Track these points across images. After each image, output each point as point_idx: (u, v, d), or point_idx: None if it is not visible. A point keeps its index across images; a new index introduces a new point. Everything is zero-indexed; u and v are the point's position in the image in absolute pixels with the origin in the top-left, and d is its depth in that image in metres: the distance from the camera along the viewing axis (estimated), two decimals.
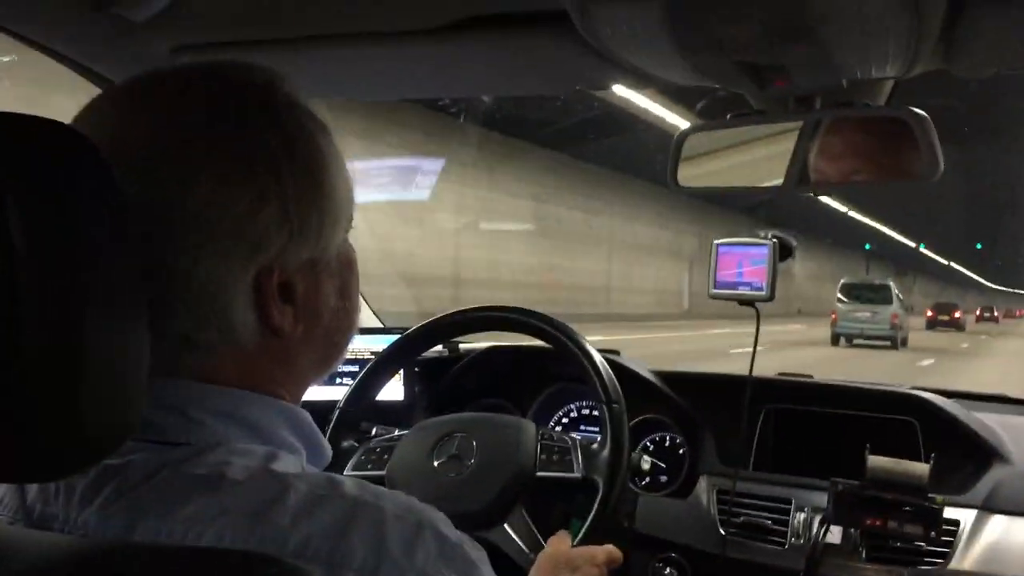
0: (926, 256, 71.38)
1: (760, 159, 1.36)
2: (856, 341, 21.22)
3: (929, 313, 37.91)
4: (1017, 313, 68.91)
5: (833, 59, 1.03)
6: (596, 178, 24.12)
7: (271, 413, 0.69)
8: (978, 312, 54.99)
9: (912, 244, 49.51)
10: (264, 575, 0.54)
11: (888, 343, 21.17)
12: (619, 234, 25.95)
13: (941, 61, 1.04)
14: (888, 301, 21.92)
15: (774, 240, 1.60)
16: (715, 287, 1.65)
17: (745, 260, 1.63)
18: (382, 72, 1.26)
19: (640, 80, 1.20)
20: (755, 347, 1.64)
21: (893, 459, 1.51)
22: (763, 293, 1.60)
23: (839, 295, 22.93)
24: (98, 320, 0.54)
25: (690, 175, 1.39)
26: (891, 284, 23.09)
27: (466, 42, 1.14)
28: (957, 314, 37.39)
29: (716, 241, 1.67)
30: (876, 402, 1.81)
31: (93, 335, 0.53)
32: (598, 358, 1.51)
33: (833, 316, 22.76)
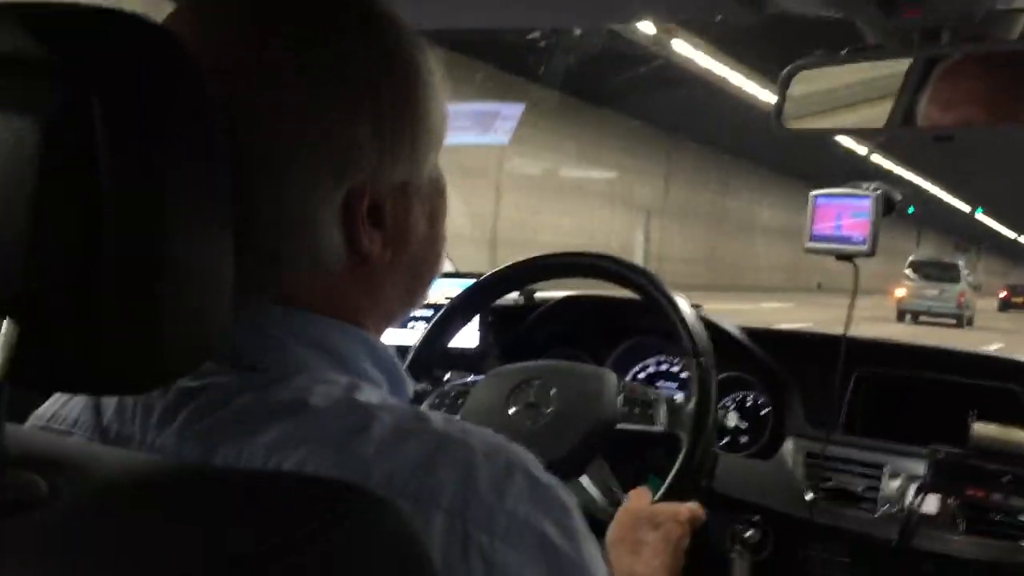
0: (988, 227, 69.12)
1: (868, 100, 1.28)
2: (922, 319, 21.77)
3: (1003, 293, 36.34)
4: None
5: None
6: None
7: (355, 343, 0.67)
8: None
9: (967, 209, 47.19)
10: (349, 504, 0.51)
11: (954, 321, 21.57)
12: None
13: None
14: (956, 280, 22.37)
15: (878, 191, 1.52)
16: (811, 239, 1.58)
17: (845, 212, 1.55)
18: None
19: (752, 9, 1.12)
20: (852, 304, 1.56)
21: (1000, 427, 1.43)
22: (864, 247, 1.52)
23: (908, 271, 23.34)
24: (181, 229, 0.51)
25: (795, 115, 1.31)
26: (960, 263, 23.46)
27: None
28: None
29: (814, 192, 1.59)
30: (978, 368, 1.72)
31: (175, 244, 0.51)
32: (688, 309, 1.45)
33: (892, 294, 22.92)
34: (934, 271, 22.67)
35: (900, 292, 22.91)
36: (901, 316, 22.35)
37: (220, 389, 0.61)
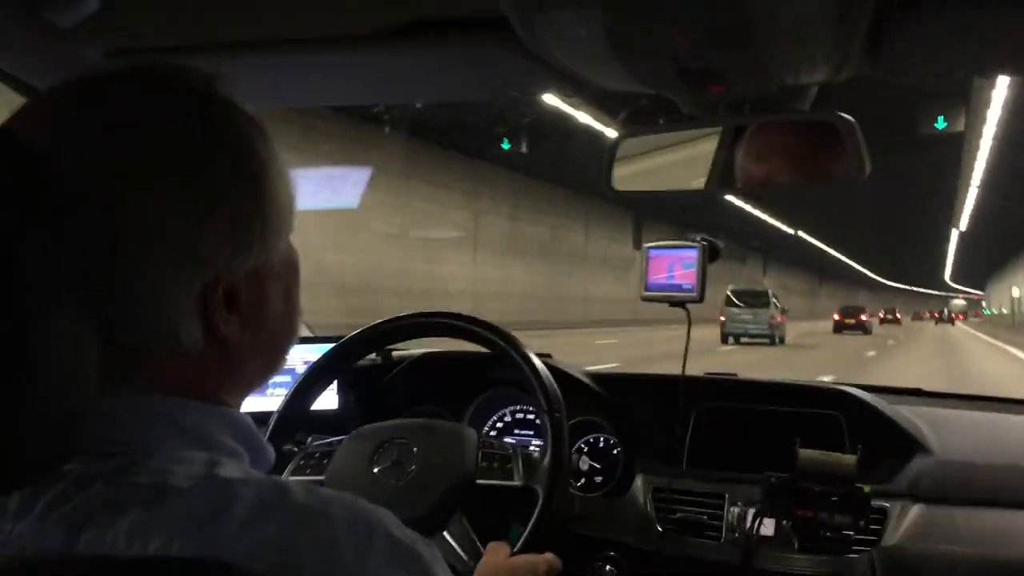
0: (833, 258, 74.08)
1: (688, 162, 1.40)
2: (743, 340, 24.77)
3: (836, 316, 38.67)
4: (924, 315, 71.81)
5: (767, 64, 1.07)
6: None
7: (212, 419, 0.68)
8: (881, 315, 57.08)
9: (790, 231, 50.85)
10: None
11: (768, 340, 24.86)
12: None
13: (869, 65, 1.08)
14: (766, 305, 25.82)
15: (704, 243, 1.64)
16: (647, 289, 1.68)
17: (676, 263, 1.67)
18: (319, 78, 1.25)
19: (576, 86, 1.22)
20: (687, 347, 1.67)
21: (822, 451, 1.56)
22: (694, 294, 1.63)
23: (727, 300, 26.03)
24: (37, 331, 0.52)
25: (623, 179, 1.42)
26: (769, 291, 26.84)
27: (405, 48, 1.14)
28: (863, 317, 38.17)
29: (647, 245, 1.71)
30: (803, 397, 1.86)
31: (32, 346, 0.51)
32: (540, 365, 1.52)
33: (721, 317, 25.41)
34: (748, 298, 25.82)
35: (722, 319, 25.48)
36: (724, 339, 24.89)
37: (77, 476, 0.61)
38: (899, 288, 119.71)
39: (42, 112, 0.67)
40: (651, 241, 1.70)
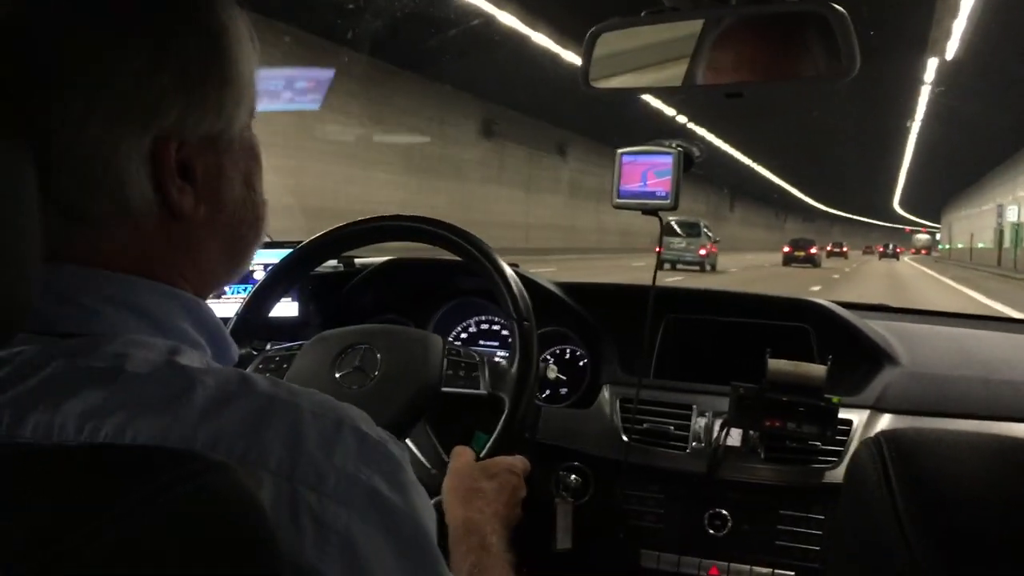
0: (792, 195, 75.26)
1: (666, 59, 1.34)
2: (678, 266, 26.72)
3: (786, 249, 38.76)
4: (877, 248, 71.63)
5: None
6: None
7: (172, 304, 0.66)
8: (828, 248, 57.63)
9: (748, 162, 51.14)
10: (179, 471, 0.49)
11: (698, 268, 26.86)
12: None
13: None
14: (698, 235, 27.55)
15: (679, 149, 1.59)
16: (619, 196, 1.64)
17: (649, 169, 1.62)
18: None
19: None
20: (658, 257, 1.64)
21: (792, 362, 1.54)
22: (667, 202, 1.59)
23: (665, 230, 26.87)
24: None
25: (600, 76, 1.36)
26: (700, 222, 28.34)
27: None
28: (813, 250, 38.27)
29: (620, 151, 1.65)
30: (773, 309, 1.85)
31: None
32: (509, 272, 1.48)
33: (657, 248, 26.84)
34: (683, 229, 27.19)
35: (658, 249, 26.47)
36: (661, 265, 25.86)
37: (29, 358, 0.58)
38: (856, 221, 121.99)
39: None
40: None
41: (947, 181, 66.07)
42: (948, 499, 0.52)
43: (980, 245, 49.23)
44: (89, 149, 0.60)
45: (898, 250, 69.67)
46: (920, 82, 30.11)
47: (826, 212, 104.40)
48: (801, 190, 78.66)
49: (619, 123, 22.23)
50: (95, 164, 0.60)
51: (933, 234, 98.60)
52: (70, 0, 0.60)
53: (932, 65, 27.18)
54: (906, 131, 44.78)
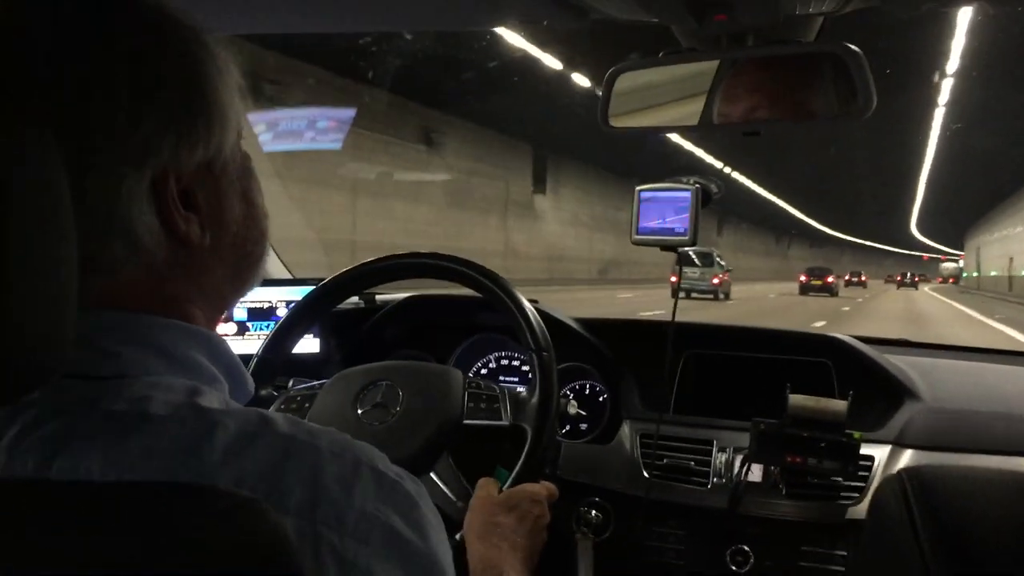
0: (800, 220, 72.74)
1: (684, 99, 1.36)
2: (693, 295, 27.66)
3: (802, 278, 37.96)
4: (896, 277, 67.57)
5: None
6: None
7: (187, 340, 0.67)
8: (847, 277, 56.55)
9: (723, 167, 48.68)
10: (208, 507, 0.51)
11: (711, 296, 28.01)
12: None
13: None
14: (711, 265, 28.87)
15: (697, 185, 1.61)
16: (637, 233, 1.65)
17: (668, 206, 1.64)
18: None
19: (576, 15, 1.18)
20: (677, 293, 1.65)
21: (812, 397, 1.54)
22: (686, 238, 1.60)
23: (676, 262, 28.27)
24: (21, 237, 0.50)
25: (619, 115, 1.38)
26: (714, 252, 29.79)
27: None
28: (830, 279, 37.50)
29: (639, 188, 1.67)
30: (793, 344, 1.85)
31: (15, 256, 0.49)
32: (527, 306, 1.49)
33: (673, 277, 27.27)
34: (696, 258, 28.15)
35: (673, 278, 27.09)
36: (675, 294, 26.74)
37: (52, 401, 0.59)
38: (870, 247, 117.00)
39: None
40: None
41: (972, 200, 60.55)
42: (971, 536, 0.52)
43: None
44: (93, 198, 0.61)
45: (916, 279, 66.74)
46: (942, 73, 26.84)
47: (835, 237, 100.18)
48: (805, 212, 74.59)
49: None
50: (102, 211, 0.62)
51: (957, 261, 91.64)
52: (56, 49, 0.62)
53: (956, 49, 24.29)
54: (923, 146, 42.13)
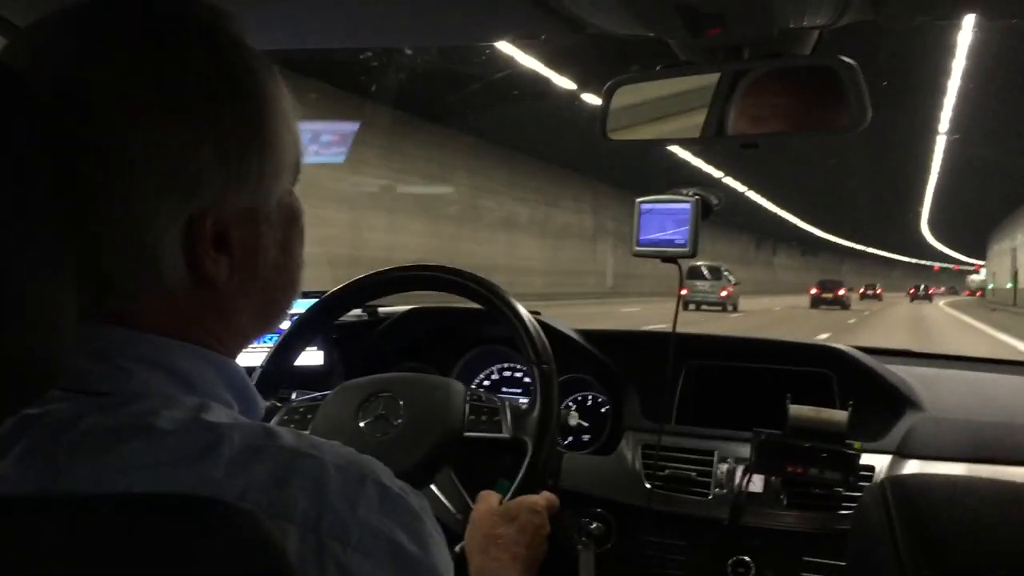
0: (789, 223, 66.05)
1: (683, 112, 1.37)
2: (703, 307, 29.04)
3: (813, 291, 37.54)
4: (911, 291, 62.82)
5: (769, 6, 1.04)
6: None
7: (202, 364, 0.66)
8: (861, 290, 55.53)
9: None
10: (207, 519, 0.52)
11: (720, 308, 29.52)
12: None
13: (871, 10, 1.05)
14: (719, 279, 30.70)
15: (696, 197, 1.62)
16: (638, 244, 1.66)
17: (668, 217, 1.65)
18: (310, 16, 1.20)
19: (572, 30, 1.19)
20: (678, 304, 1.66)
21: (813, 407, 1.55)
22: (686, 249, 1.61)
23: (688, 274, 30.74)
24: (15, 255, 0.50)
25: (618, 128, 1.39)
26: (722, 267, 31.29)
27: None
28: (841, 292, 37.05)
29: (639, 200, 1.68)
30: (794, 355, 1.85)
31: (9, 271, 0.49)
32: (528, 317, 1.50)
33: (682, 290, 27.95)
34: (705, 272, 30.39)
35: (684, 291, 26.93)
36: (686, 306, 29.28)
37: (61, 415, 0.59)
38: (874, 256, 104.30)
39: (25, 45, 0.64)
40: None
41: (995, 196, 50.41)
42: (951, 544, 0.52)
43: None
44: (126, 224, 0.60)
45: (931, 292, 63.56)
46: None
47: (832, 243, 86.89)
48: (794, 213, 63.29)
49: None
50: (132, 240, 0.61)
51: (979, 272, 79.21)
52: (123, 68, 0.61)
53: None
54: (932, 140, 38.09)
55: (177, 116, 0.61)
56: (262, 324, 0.73)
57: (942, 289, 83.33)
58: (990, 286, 61.42)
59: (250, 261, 0.67)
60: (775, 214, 60.16)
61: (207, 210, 0.63)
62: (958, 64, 19.53)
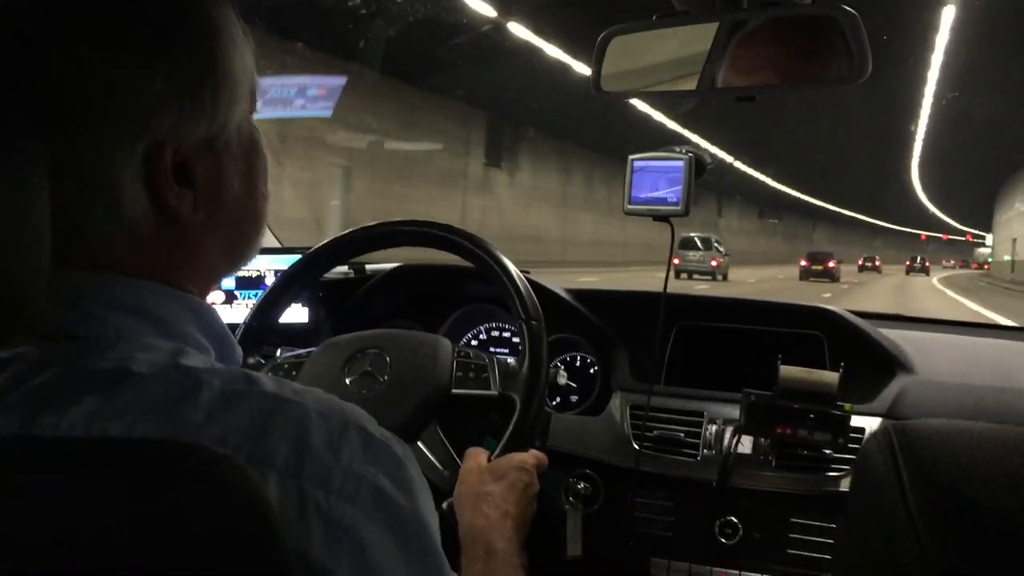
0: (786, 195, 62.84)
1: (679, 63, 1.34)
2: (695, 276, 30.43)
3: (802, 263, 37.20)
4: (907, 262, 57.15)
5: None
6: None
7: (177, 306, 0.66)
8: (860, 261, 54.82)
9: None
10: (184, 464, 0.51)
11: (710, 277, 30.67)
12: None
13: None
14: (710, 249, 32.26)
15: (690, 155, 1.59)
16: (630, 202, 1.63)
17: (660, 175, 1.62)
18: None
19: None
20: (669, 263, 1.63)
21: (804, 368, 1.53)
22: (679, 208, 1.58)
23: (681, 244, 32.04)
24: None
25: (612, 79, 1.35)
26: (712, 237, 33.04)
27: None
28: (831, 264, 36.62)
29: (632, 157, 1.65)
30: (785, 317, 1.84)
31: None
32: (517, 274, 1.47)
33: (676, 260, 30.84)
34: (697, 243, 32.13)
35: (676, 260, 30.99)
36: (678, 275, 30.68)
37: (33, 360, 0.58)
38: (858, 221, 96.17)
39: None
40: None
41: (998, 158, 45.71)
42: (961, 491, 0.51)
43: None
44: (83, 162, 0.59)
45: (927, 263, 57.71)
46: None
47: (808, 204, 76.90)
48: (759, 169, 55.38)
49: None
50: (90, 177, 0.60)
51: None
52: (65, 10, 0.60)
53: None
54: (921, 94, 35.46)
55: (123, 48, 0.60)
56: (231, 259, 0.73)
57: (952, 262, 78.78)
58: (990, 259, 57.22)
59: (214, 194, 0.67)
60: (731, 165, 51.51)
61: (164, 142, 0.62)
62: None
